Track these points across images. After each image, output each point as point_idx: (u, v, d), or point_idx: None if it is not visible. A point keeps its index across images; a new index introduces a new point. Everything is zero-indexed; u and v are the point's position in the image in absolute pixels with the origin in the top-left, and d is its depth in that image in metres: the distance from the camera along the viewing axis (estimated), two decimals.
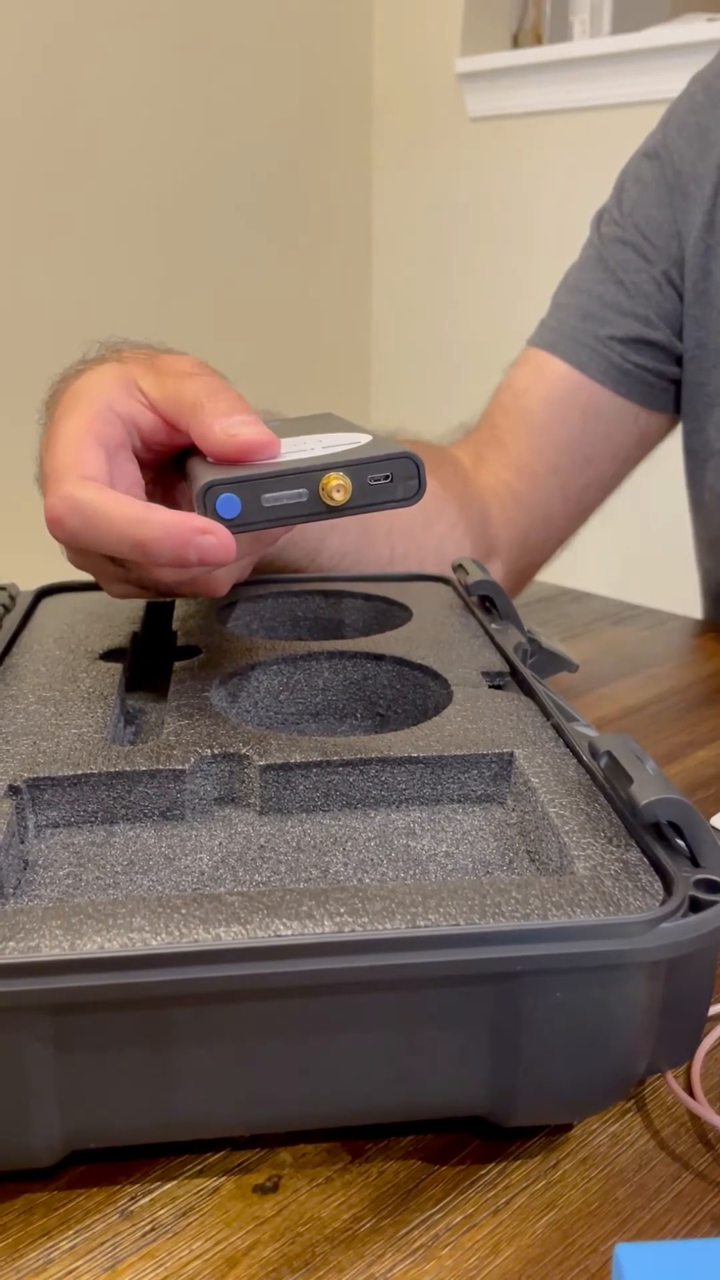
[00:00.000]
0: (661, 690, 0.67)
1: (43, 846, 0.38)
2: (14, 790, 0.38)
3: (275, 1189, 0.32)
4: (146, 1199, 0.32)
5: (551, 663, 0.54)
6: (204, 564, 0.39)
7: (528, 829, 0.38)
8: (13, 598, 0.56)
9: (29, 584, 0.59)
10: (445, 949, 0.29)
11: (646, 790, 0.33)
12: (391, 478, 0.40)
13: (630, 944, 0.30)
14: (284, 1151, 0.33)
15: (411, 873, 0.36)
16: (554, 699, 0.46)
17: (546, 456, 0.80)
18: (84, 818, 0.39)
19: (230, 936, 0.29)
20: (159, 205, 2.02)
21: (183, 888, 0.35)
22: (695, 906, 0.31)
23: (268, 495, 0.39)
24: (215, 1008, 0.29)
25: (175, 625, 0.53)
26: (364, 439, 0.42)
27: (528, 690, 0.46)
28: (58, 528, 0.41)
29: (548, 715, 0.43)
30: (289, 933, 0.30)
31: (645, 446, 0.84)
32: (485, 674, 0.47)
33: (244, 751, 0.40)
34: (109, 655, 0.49)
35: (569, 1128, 0.34)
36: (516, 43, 2.14)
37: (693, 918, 0.30)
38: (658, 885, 0.32)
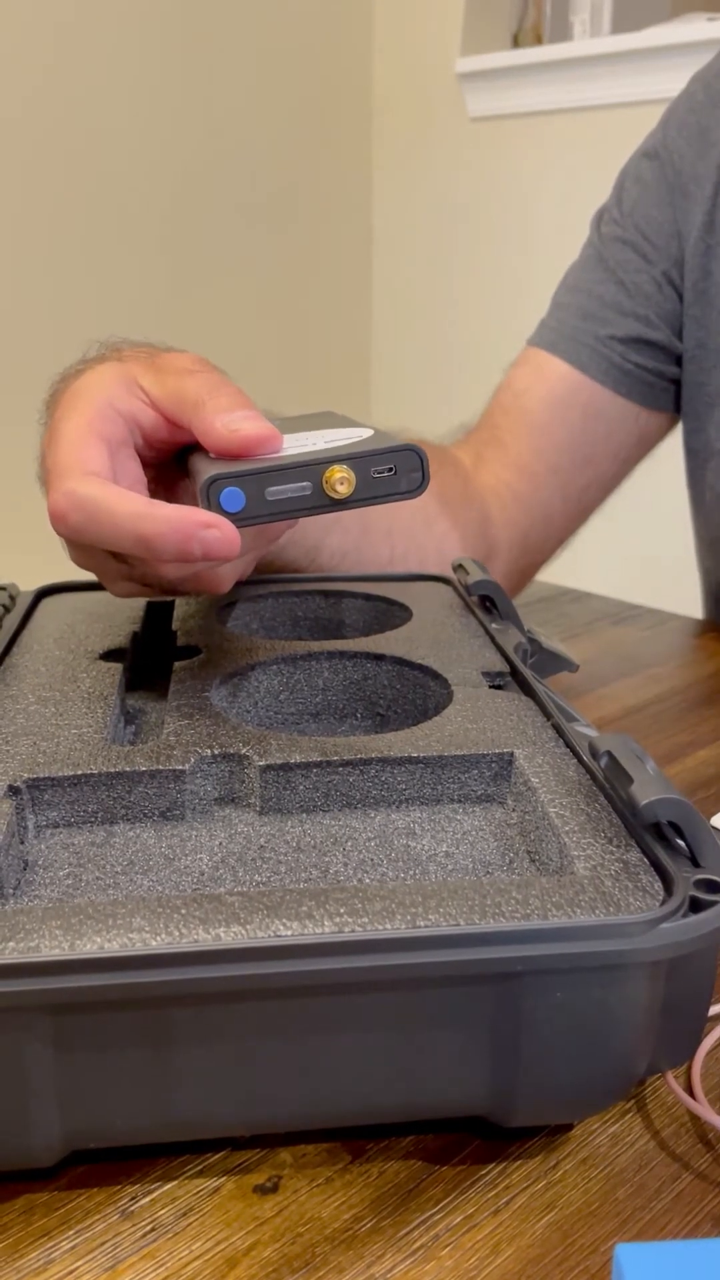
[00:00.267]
0: (662, 690, 0.67)
1: (43, 847, 0.38)
2: (14, 790, 0.38)
3: (275, 1189, 0.32)
4: (147, 1199, 0.32)
5: (552, 663, 0.54)
6: (208, 558, 0.39)
7: (528, 829, 0.38)
8: (13, 598, 0.56)
9: (29, 584, 0.59)
10: (445, 949, 0.29)
11: (647, 790, 0.33)
12: (395, 470, 0.40)
13: (630, 944, 0.30)
14: (284, 1152, 0.33)
15: (411, 873, 0.36)
16: (554, 699, 0.46)
17: (547, 456, 0.80)
18: (84, 818, 0.39)
19: (230, 937, 0.29)
20: (159, 205, 2.02)
21: (183, 888, 0.35)
22: (695, 907, 0.31)
23: (271, 489, 0.39)
24: (215, 1008, 0.29)
25: (175, 625, 0.53)
26: (366, 433, 0.42)
27: (528, 690, 0.46)
28: (61, 523, 0.41)
29: (548, 715, 0.43)
30: (289, 933, 0.30)
31: (645, 446, 0.84)
32: (485, 674, 0.47)
33: (244, 751, 0.40)
34: (109, 655, 0.49)
35: (569, 1128, 0.34)
36: (517, 42, 2.14)
37: (693, 918, 0.30)
38: (658, 885, 0.32)
